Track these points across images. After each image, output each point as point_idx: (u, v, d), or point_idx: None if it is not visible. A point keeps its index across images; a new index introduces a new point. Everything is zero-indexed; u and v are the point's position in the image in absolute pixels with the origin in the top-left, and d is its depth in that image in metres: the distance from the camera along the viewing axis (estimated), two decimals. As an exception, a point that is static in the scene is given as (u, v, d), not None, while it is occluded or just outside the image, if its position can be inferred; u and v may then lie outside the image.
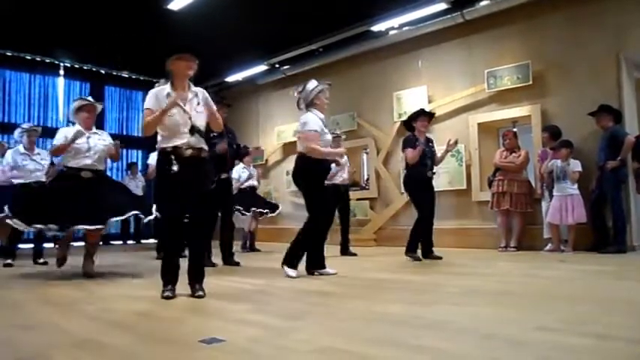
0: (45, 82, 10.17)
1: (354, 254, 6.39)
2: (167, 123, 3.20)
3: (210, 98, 3.47)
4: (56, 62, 10.13)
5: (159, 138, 3.26)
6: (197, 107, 3.32)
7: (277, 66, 9.75)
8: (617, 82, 6.11)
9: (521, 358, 1.77)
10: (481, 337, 2.05)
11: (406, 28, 7.84)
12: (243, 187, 7.46)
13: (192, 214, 3.29)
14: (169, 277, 3.19)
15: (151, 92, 3.32)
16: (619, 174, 5.78)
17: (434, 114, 6.01)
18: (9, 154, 5.92)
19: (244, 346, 1.99)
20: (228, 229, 5.68)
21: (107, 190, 4.50)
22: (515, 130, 6.78)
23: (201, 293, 3.14)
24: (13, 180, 5.74)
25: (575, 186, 5.94)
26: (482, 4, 6.96)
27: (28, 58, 9.78)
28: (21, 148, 5.86)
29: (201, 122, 3.32)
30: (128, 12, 7.76)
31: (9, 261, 5.56)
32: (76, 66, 10.40)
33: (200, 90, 3.42)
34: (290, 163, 9.47)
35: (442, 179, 7.49)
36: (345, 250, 6.53)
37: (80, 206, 4.16)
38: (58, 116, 10.18)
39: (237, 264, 5.37)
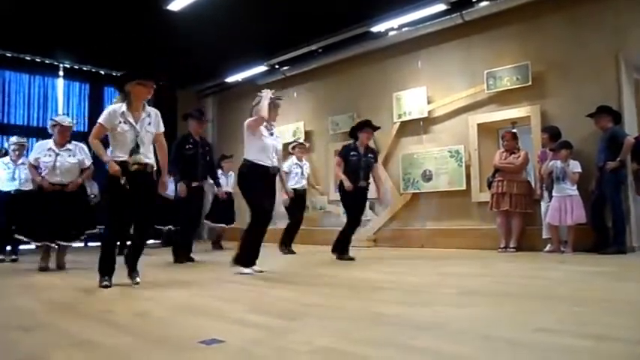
0: (44, 82, 10.16)
1: (294, 252, 6.84)
2: (118, 138, 3.64)
3: (161, 121, 3.88)
4: (56, 63, 10.12)
5: (109, 150, 3.73)
6: (147, 127, 3.74)
7: (277, 67, 9.75)
8: (616, 83, 6.11)
9: (521, 359, 1.77)
10: (480, 338, 2.04)
11: (406, 28, 7.84)
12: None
13: (139, 218, 3.79)
14: (109, 269, 3.70)
15: (108, 109, 3.68)
16: (619, 175, 5.78)
17: (378, 127, 6.21)
18: None
19: (244, 347, 1.98)
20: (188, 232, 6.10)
21: (73, 206, 5.06)
22: (514, 130, 6.78)
23: (138, 280, 3.75)
24: None
25: (575, 187, 5.94)
26: (481, 5, 6.97)
27: (28, 59, 9.77)
28: (6, 158, 6.37)
29: (148, 140, 3.76)
30: (128, 13, 7.75)
31: (2, 256, 6.25)
32: (76, 67, 10.39)
33: (154, 111, 3.83)
34: (289, 164, 9.48)
35: (442, 180, 7.51)
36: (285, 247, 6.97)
37: (57, 222, 4.88)
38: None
39: (192, 260, 5.91)
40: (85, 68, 10.50)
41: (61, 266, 5.17)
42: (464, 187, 7.28)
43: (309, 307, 2.86)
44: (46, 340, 2.19)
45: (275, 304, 3.06)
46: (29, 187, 5.92)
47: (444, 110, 7.66)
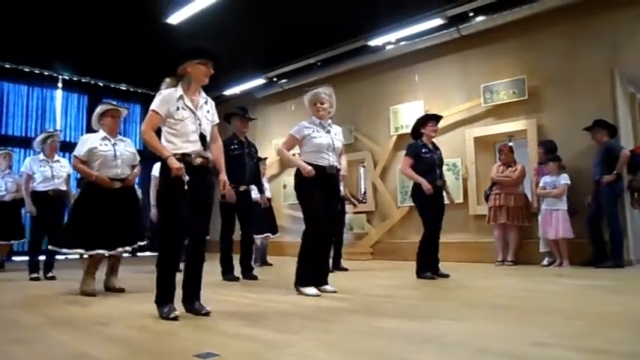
0: (43, 94, 10.19)
1: (345, 269, 6.22)
2: (176, 128, 3.04)
3: (216, 112, 3.35)
4: (54, 75, 10.17)
5: (164, 142, 3.04)
6: (207, 115, 3.20)
7: (275, 79, 9.81)
8: (611, 97, 6.16)
9: (518, 373, 1.77)
10: (477, 351, 2.04)
11: (403, 43, 7.91)
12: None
13: (196, 225, 3.12)
14: (170, 295, 2.99)
15: (162, 94, 3.08)
16: (615, 188, 5.80)
17: (441, 117, 5.55)
18: (27, 161, 5.78)
19: (239, 360, 1.98)
20: (247, 243, 5.47)
21: (127, 207, 4.34)
22: (511, 144, 6.82)
23: (208, 309, 3.00)
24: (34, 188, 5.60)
25: (563, 200, 5.97)
26: (478, 19, 7.04)
27: (27, 70, 9.82)
28: (40, 155, 5.67)
29: (209, 131, 3.19)
30: (127, 25, 7.82)
31: (35, 275, 5.53)
32: (75, 79, 10.44)
33: (209, 99, 3.30)
34: (287, 176, 9.49)
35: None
36: (335, 265, 6.23)
37: (117, 227, 4.13)
38: (55, 128, 10.16)
39: (255, 278, 5.25)
40: (83, 80, 10.55)
41: (113, 287, 4.36)
42: (461, 201, 7.28)
43: (307, 321, 2.85)
44: (42, 352, 2.17)
45: (273, 318, 3.05)
46: (63, 187, 5.62)
47: (441, 124, 7.60)
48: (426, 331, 2.45)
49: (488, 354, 1.99)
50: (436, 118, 5.34)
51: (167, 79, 3.18)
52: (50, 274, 5.52)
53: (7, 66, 9.55)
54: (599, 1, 6.26)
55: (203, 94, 3.24)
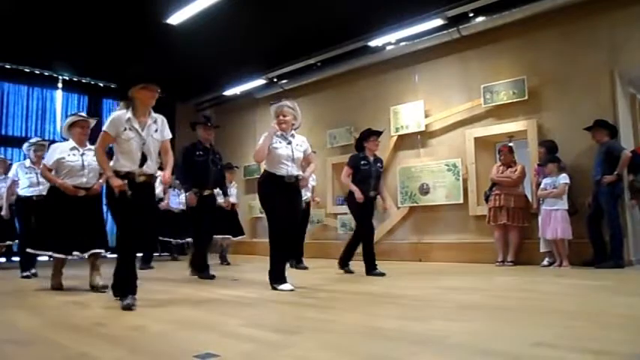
0: (43, 94, 10.17)
1: (306, 267, 6.51)
2: (124, 147, 3.43)
3: (168, 128, 3.67)
4: (55, 75, 10.15)
5: (114, 158, 3.48)
6: (154, 134, 3.53)
7: (275, 80, 9.80)
8: (611, 97, 6.16)
9: (518, 374, 1.76)
10: (479, 352, 2.03)
11: (403, 43, 7.90)
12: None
13: (139, 229, 3.50)
14: (132, 287, 3.41)
15: (112, 116, 3.48)
16: (615, 189, 5.79)
17: (382, 132, 6.11)
18: (14, 167, 5.99)
19: (239, 361, 1.97)
20: (202, 243, 5.66)
21: (90, 213, 4.50)
22: (511, 144, 6.81)
23: (127, 303, 3.26)
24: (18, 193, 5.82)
25: (563, 201, 5.96)
26: (478, 20, 7.03)
27: (27, 70, 9.81)
28: (27, 162, 5.85)
29: (155, 148, 3.55)
30: (127, 26, 7.80)
31: (27, 273, 5.66)
32: (75, 79, 10.42)
33: (160, 117, 3.62)
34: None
35: (439, 193, 7.51)
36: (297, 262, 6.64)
37: (89, 229, 4.40)
38: (55, 129, 10.16)
39: (213, 277, 5.40)
40: (83, 80, 10.53)
41: (97, 286, 4.38)
42: (461, 201, 7.28)
43: (307, 321, 2.85)
44: (41, 354, 2.17)
45: (271, 317, 3.04)
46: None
47: (441, 124, 7.69)
48: (427, 332, 2.44)
49: (491, 355, 1.99)
50: (377, 134, 5.90)
51: (121, 103, 3.56)
52: (33, 271, 5.68)
53: (8, 66, 9.53)
54: (599, 2, 6.25)
55: (153, 114, 3.57)
